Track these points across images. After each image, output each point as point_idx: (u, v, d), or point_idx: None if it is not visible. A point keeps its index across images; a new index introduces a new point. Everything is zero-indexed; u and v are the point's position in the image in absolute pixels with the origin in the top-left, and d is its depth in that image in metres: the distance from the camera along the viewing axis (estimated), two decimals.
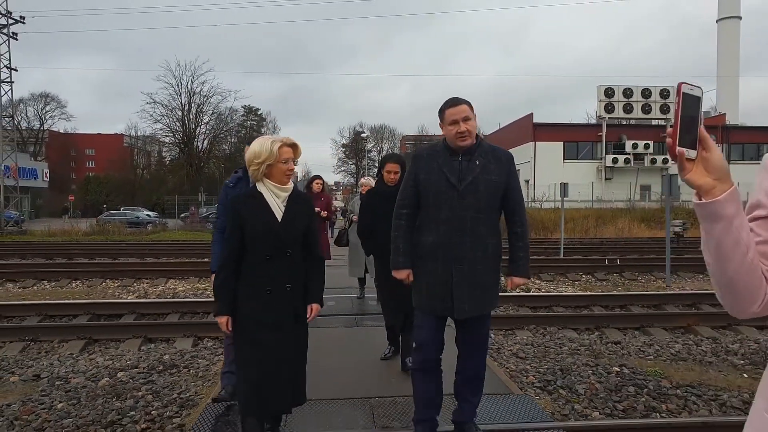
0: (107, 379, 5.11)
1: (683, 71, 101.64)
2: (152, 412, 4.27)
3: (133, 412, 4.25)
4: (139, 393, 4.69)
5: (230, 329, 2.87)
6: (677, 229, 19.18)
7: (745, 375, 5.32)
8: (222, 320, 2.88)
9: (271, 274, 2.85)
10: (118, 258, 15.75)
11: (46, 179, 49.57)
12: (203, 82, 66.33)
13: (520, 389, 4.57)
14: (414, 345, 3.18)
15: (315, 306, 2.99)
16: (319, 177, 8.00)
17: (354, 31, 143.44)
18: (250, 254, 2.87)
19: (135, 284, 11.18)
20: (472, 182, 2.97)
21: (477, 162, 3.00)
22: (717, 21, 48.62)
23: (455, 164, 3.01)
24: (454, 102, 3.03)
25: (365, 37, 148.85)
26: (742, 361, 5.76)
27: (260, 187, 2.94)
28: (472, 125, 2.99)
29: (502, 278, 5.09)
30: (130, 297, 9.81)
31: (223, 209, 3.79)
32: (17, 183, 33.93)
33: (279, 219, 2.88)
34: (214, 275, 3.65)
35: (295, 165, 2.99)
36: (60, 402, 4.48)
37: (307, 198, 3.14)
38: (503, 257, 3.17)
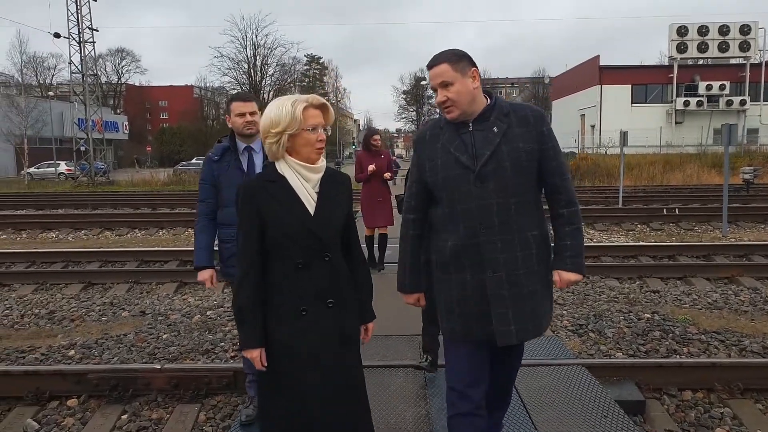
0: (199, 316, 6.08)
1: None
2: (238, 344, 5.17)
3: (222, 343, 5.18)
4: (226, 328, 5.62)
5: (266, 365, 2.13)
6: (747, 176, 18.54)
7: None
8: (253, 354, 2.10)
9: (306, 288, 2.12)
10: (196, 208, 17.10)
11: (126, 131, 52.92)
12: (267, 35, 67.65)
13: (552, 332, 5.14)
14: (448, 388, 2.38)
15: (371, 325, 2.38)
16: (377, 131, 7.29)
17: None
18: (275, 262, 2.14)
19: None
20: (493, 157, 2.18)
21: (495, 129, 2.21)
22: None
23: (465, 138, 2.24)
24: (431, 63, 2.26)
25: None
26: None
27: (282, 168, 2.14)
28: (457, 90, 2.18)
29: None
30: None
31: (209, 188, 3.15)
32: (103, 136, 36.52)
33: (312, 212, 2.13)
34: (198, 272, 3.20)
35: (327, 134, 2.19)
36: (165, 334, 5.48)
37: (345, 178, 2.32)
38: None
